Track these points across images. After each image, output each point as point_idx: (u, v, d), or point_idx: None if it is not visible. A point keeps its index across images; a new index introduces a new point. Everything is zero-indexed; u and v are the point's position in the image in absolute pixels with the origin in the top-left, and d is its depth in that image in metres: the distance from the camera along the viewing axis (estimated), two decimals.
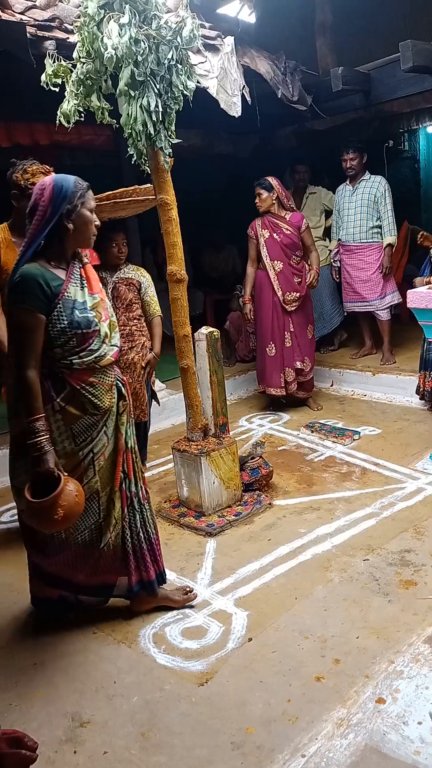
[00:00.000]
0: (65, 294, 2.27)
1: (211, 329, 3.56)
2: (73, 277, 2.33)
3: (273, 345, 5.02)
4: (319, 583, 2.77)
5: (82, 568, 2.53)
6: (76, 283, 2.33)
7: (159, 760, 1.94)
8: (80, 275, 2.37)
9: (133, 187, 3.27)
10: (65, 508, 2.16)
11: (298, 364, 5.02)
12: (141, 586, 2.60)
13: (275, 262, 4.91)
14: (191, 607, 2.68)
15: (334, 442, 4.42)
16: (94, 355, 2.33)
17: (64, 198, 2.25)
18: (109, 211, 3.31)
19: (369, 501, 3.49)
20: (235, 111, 4.45)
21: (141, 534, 2.57)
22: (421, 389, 4.76)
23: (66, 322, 2.25)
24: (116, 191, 3.23)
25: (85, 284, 2.37)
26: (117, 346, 2.45)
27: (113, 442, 2.46)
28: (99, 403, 2.37)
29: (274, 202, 4.81)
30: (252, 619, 2.57)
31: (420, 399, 4.86)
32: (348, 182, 5.58)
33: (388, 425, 4.67)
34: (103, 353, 2.36)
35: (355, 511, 3.39)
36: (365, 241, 5.50)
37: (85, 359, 2.31)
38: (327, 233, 6.04)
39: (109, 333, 2.40)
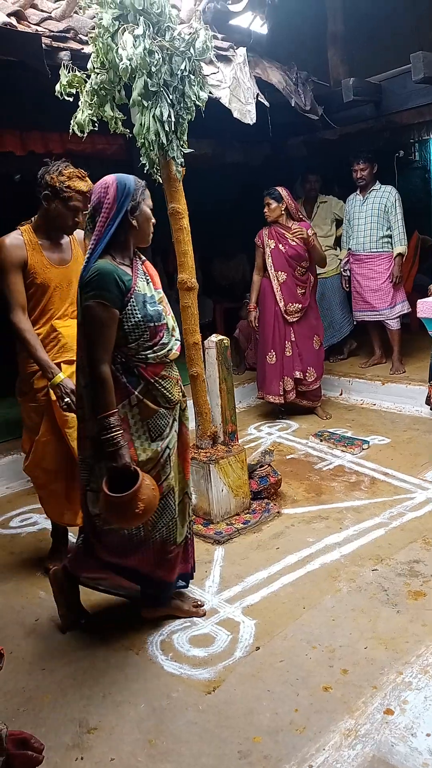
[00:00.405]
0: (135, 289, 2.34)
1: (221, 337, 3.58)
2: (138, 272, 2.41)
3: (273, 353, 5.06)
4: (327, 592, 2.76)
5: (161, 564, 2.54)
6: (142, 278, 2.41)
7: None
8: (143, 271, 2.45)
9: None
10: (145, 502, 2.22)
11: (298, 374, 5.05)
12: (182, 577, 2.70)
13: (279, 272, 4.96)
14: (198, 615, 2.68)
15: (343, 451, 4.41)
16: (166, 349, 2.41)
17: (128, 195, 2.32)
18: None
19: (378, 511, 3.48)
20: (250, 119, 4.47)
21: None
22: (431, 399, 4.74)
23: (140, 316, 2.31)
24: None
25: (149, 279, 2.45)
26: (179, 340, 2.53)
27: (178, 437, 2.54)
28: (170, 396, 2.44)
29: (282, 212, 4.84)
30: (260, 627, 2.56)
31: (430, 409, 4.84)
32: (358, 192, 5.60)
33: (398, 435, 4.66)
34: (171, 346, 2.44)
35: (364, 520, 3.38)
36: (375, 250, 5.52)
37: (158, 353, 2.38)
38: (337, 242, 6.06)
39: (174, 326, 2.49)
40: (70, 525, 3.10)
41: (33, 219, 2.95)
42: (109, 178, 2.34)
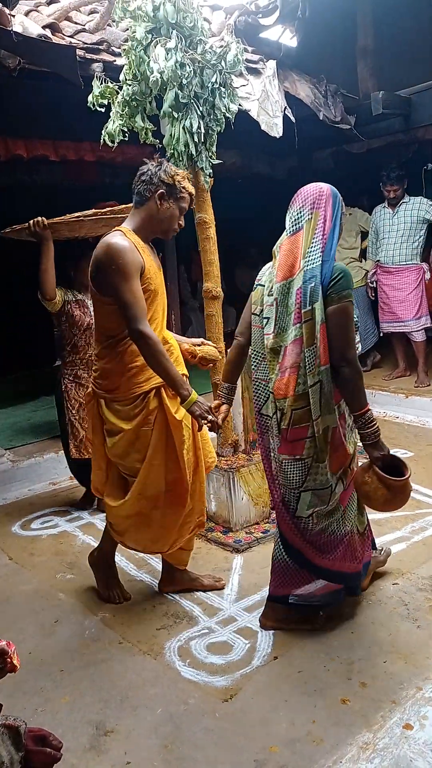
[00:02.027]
0: None
1: None
2: None
3: None
4: (346, 605, 2.74)
5: (354, 556, 2.59)
6: None
7: None
8: None
9: (109, 208, 3.33)
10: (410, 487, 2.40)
11: None
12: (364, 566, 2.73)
13: None
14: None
15: None
16: None
17: (341, 204, 2.47)
18: (90, 228, 3.40)
19: (399, 525, 3.44)
20: (277, 132, 4.51)
21: None
22: None
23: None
24: (100, 210, 3.29)
25: None
26: None
27: None
28: None
29: None
30: (278, 637, 2.55)
31: None
32: (386, 205, 5.60)
33: (421, 448, 4.61)
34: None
35: (385, 534, 3.35)
36: (405, 263, 5.53)
37: None
38: (363, 254, 6.05)
39: None
40: (159, 552, 2.88)
41: (128, 222, 2.61)
42: (324, 186, 2.45)
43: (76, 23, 4.02)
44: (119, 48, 3.72)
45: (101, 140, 3.18)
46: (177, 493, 2.67)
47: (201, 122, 3.02)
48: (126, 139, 3.20)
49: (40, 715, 2.22)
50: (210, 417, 2.48)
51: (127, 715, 2.20)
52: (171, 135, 3.03)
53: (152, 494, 2.64)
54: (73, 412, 3.73)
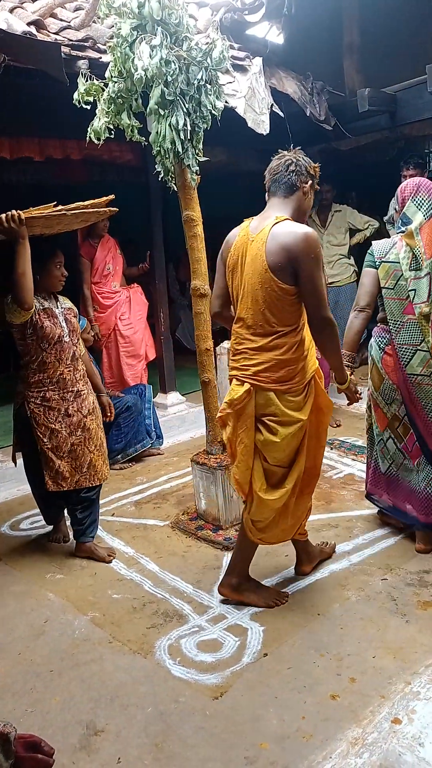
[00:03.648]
0: None
1: None
2: None
3: None
4: (335, 601, 2.76)
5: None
6: None
7: None
8: None
9: (90, 201, 3.04)
10: None
11: None
12: None
13: None
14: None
15: (353, 459, 4.40)
16: None
17: None
18: (63, 224, 3.10)
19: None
20: (264, 129, 4.51)
21: None
22: None
23: None
24: (81, 204, 2.97)
25: None
26: None
27: None
28: None
29: None
30: (267, 634, 2.56)
31: None
32: None
33: None
34: None
35: (374, 529, 3.37)
36: None
37: None
38: (351, 251, 6.06)
39: None
40: (285, 541, 2.91)
41: (284, 211, 2.53)
42: (426, 180, 3.02)
43: (61, 20, 3.99)
44: (105, 45, 3.69)
45: (86, 138, 3.16)
46: (312, 477, 2.78)
47: (187, 119, 3.01)
48: (112, 136, 3.19)
49: (30, 715, 2.22)
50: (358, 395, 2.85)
51: (118, 714, 2.20)
52: (157, 132, 3.02)
53: (297, 482, 2.66)
54: (45, 440, 3.09)
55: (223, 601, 2.80)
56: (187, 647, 2.52)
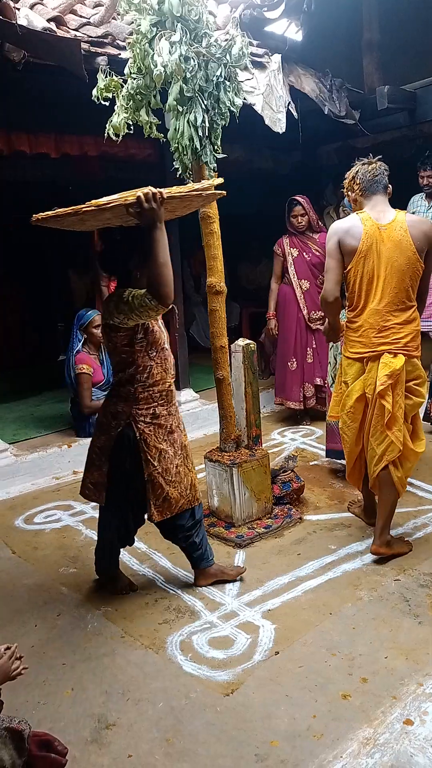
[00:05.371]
0: None
1: (248, 341, 3.59)
2: None
3: (294, 360, 5.14)
4: (348, 600, 2.75)
5: None
6: None
7: (182, 767, 1.95)
8: None
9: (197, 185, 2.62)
10: None
11: (318, 381, 5.14)
12: None
13: (302, 281, 5.05)
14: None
15: None
16: None
17: None
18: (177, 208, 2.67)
19: (401, 521, 3.44)
20: (280, 127, 4.50)
21: None
22: (431, 415, 4.71)
23: None
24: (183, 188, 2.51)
25: None
26: None
27: None
28: None
29: (308, 222, 5.01)
30: (279, 632, 2.56)
31: (430, 424, 4.75)
32: (424, 197, 5.45)
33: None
34: None
35: None
36: None
37: None
38: None
39: None
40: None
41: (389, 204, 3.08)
42: None
43: (80, 16, 4.00)
44: (124, 41, 3.70)
45: (105, 134, 3.17)
46: None
47: (206, 116, 3.01)
48: (131, 132, 3.19)
49: (42, 708, 2.23)
50: None
51: (129, 708, 2.21)
52: (175, 129, 3.02)
53: None
54: (155, 464, 2.65)
55: (377, 561, 3.04)
56: (198, 643, 2.53)
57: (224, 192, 2.66)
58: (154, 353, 2.62)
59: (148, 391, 2.64)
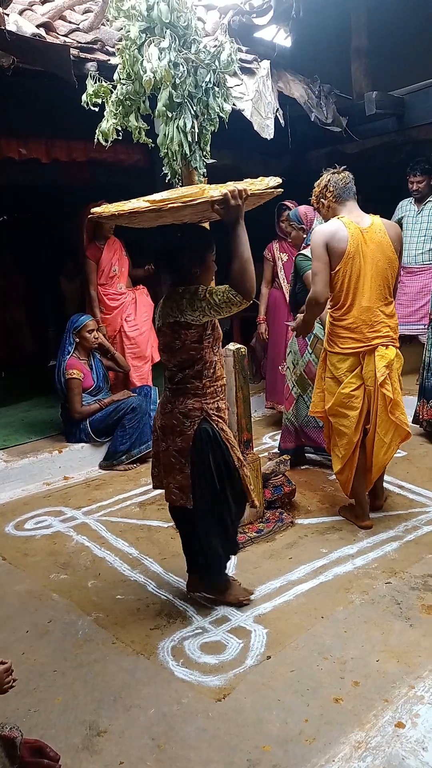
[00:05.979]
0: None
1: (239, 346, 3.59)
2: None
3: (285, 364, 5.10)
4: (339, 604, 2.75)
5: None
6: None
7: None
8: None
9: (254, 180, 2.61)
10: None
11: None
12: None
13: None
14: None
15: None
16: None
17: None
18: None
19: (392, 524, 3.46)
20: (268, 133, 4.52)
21: None
22: (421, 418, 4.72)
23: None
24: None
25: None
26: None
27: None
28: None
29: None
30: (271, 636, 2.56)
31: (420, 427, 4.77)
32: (413, 202, 5.47)
33: (414, 448, 4.62)
34: None
35: (379, 533, 3.36)
36: (428, 262, 5.39)
37: None
38: None
39: None
40: None
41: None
42: None
43: (70, 22, 4.02)
44: (113, 47, 3.71)
45: (95, 140, 3.17)
46: None
47: (195, 122, 3.01)
48: (120, 138, 3.19)
49: (33, 715, 2.22)
50: None
51: (121, 715, 2.20)
52: (165, 134, 3.02)
53: None
54: (237, 454, 2.70)
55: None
56: (190, 649, 2.52)
57: (282, 190, 2.66)
58: (217, 349, 2.65)
59: (214, 386, 2.64)
